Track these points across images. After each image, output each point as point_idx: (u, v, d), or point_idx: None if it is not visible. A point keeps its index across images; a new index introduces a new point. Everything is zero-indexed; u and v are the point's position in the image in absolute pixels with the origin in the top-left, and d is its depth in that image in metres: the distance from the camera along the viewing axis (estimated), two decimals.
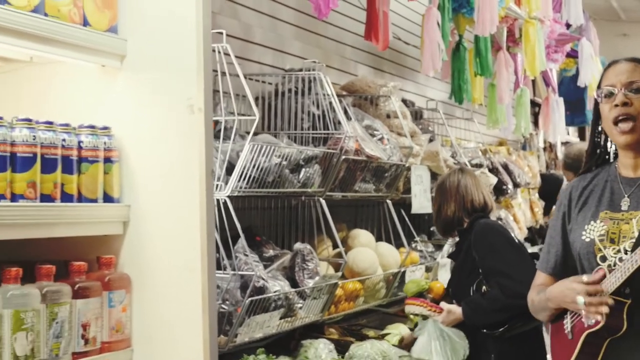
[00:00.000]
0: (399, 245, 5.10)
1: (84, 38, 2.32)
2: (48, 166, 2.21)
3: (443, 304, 4.27)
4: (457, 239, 4.58)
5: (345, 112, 4.43)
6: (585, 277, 2.61)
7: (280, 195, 4.02)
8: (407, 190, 5.19)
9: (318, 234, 4.59)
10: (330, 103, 4.34)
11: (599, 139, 2.88)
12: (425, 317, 4.30)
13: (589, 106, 8.67)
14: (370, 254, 4.63)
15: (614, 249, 2.67)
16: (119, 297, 2.40)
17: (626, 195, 2.75)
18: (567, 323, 2.77)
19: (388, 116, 5.09)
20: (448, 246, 5.64)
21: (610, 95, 2.73)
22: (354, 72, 5.79)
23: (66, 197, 2.27)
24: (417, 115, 6.07)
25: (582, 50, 8.06)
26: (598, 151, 2.89)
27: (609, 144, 2.87)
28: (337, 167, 4.17)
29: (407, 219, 5.30)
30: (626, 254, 2.61)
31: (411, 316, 4.53)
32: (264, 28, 4.62)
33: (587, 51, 8.05)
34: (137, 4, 2.45)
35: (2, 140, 2.09)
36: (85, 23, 2.34)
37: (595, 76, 7.97)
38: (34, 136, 2.16)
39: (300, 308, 3.88)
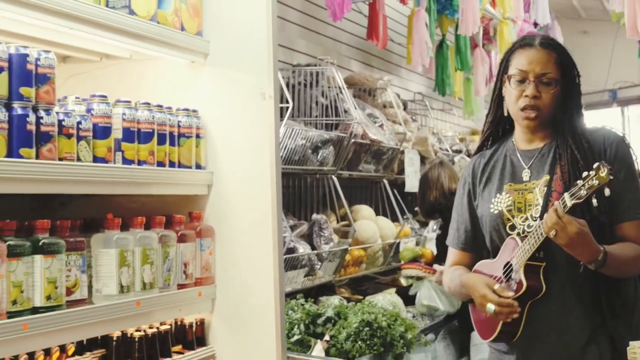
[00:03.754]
0: (393, 219, 5.80)
1: (182, 40, 2.96)
2: (160, 139, 2.85)
3: (436, 266, 4.98)
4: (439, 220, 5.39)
5: None
6: (497, 286, 2.72)
7: (299, 172, 4.67)
8: (400, 171, 5.89)
9: (324, 208, 5.27)
10: (337, 94, 5.02)
11: (500, 113, 2.93)
12: (420, 278, 5.00)
13: None
14: (372, 225, 5.32)
15: (521, 217, 2.78)
16: (207, 243, 3.05)
17: (526, 167, 2.84)
18: None
19: (384, 106, 5.77)
20: (432, 223, 6.37)
21: (522, 82, 2.79)
22: (347, 66, 6.46)
23: (171, 164, 2.91)
24: (402, 106, 6.74)
25: None
26: (499, 123, 2.97)
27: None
28: (347, 149, 4.85)
29: (398, 197, 6.00)
30: (534, 221, 2.74)
31: (406, 279, 5.25)
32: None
33: None
34: (217, 13, 3.09)
35: (132, 119, 2.73)
36: (182, 28, 2.98)
37: None
38: (153, 116, 2.81)
39: (319, 268, 4.55)
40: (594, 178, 2.52)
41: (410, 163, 5.82)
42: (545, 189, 2.77)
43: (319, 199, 5.23)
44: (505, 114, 2.92)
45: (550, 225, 2.57)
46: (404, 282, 5.58)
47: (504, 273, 2.76)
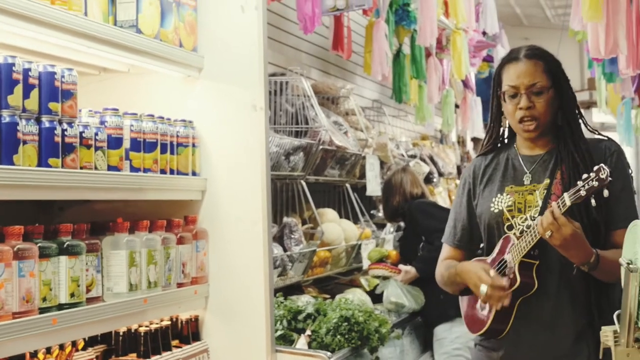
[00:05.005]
0: (354, 222, 6.07)
1: (180, 55, 3.19)
2: (163, 148, 3.07)
3: (401, 266, 5.27)
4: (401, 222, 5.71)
5: None
6: (492, 272, 2.79)
7: (272, 178, 4.90)
8: (361, 175, 6.17)
9: (290, 211, 5.52)
10: (304, 103, 5.28)
11: (499, 127, 3.03)
12: (386, 278, 5.29)
13: None
14: (337, 228, 5.58)
15: (521, 217, 2.85)
16: (202, 245, 3.28)
17: (528, 171, 2.91)
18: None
19: (347, 113, 6.04)
20: (389, 226, 6.69)
21: (514, 96, 2.86)
22: (307, 74, 6.69)
23: (171, 171, 3.14)
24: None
25: (497, 57, 9.11)
26: (497, 136, 3.04)
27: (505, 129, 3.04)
28: (315, 155, 5.10)
29: (359, 200, 6.27)
30: (533, 220, 2.80)
31: (372, 279, 5.53)
32: None
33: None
34: (211, 30, 3.33)
35: (138, 130, 2.95)
36: (180, 45, 3.20)
37: None
38: (157, 127, 3.03)
39: (290, 269, 4.79)
40: (594, 179, 2.58)
41: (371, 168, 6.09)
42: (545, 191, 2.84)
43: (287, 202, 5.47)
44: (506, 127, 3.02)
45: (545, 226, 2.64)
46: (364, 282, 5.85)
47: (497, 268, 2.83)
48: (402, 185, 5.50)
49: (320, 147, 5.11)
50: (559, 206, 2.67)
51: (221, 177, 3.33)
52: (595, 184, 2.58)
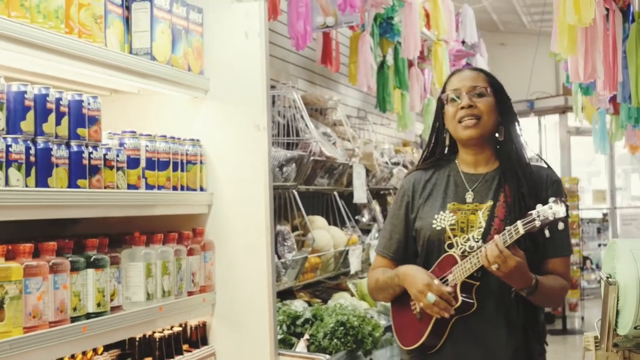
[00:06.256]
0: (342, 228, 6.32)
1: (189, 79, 3.42)
2: (174, 166, 3.30)
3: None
4: None
5: None
6: (437, 281, 2.82)
7: None
8: (348, 184, 6.42)
9: (282, 219, 5.75)
10: (294, 114, 5.52)
11: (440, 137, 3.06)
12: None
13: None
14: (326, 235, 5.82)
15: (463, 237, 2.87)
16: (210, 256, 3.51)
17: (470, 190, 2.95)
18: (417, 305, 2.91)
19: (334, 124, 6.28)
20: (374, 231, 6.95)
21: (456, 99, 2.93)
22: (292, 84, 6.95)
23: (181, 188, 3.37)
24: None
25: (477, 64, 9.40)
26: (439, 148, 3.07)
27: (446, 142, 3.05)
28: (307, 166, 5.34)
29: (346, 207, 6.51)
30: (476, 242, 2.83)
31: (360, 283, 5.76)
32: None
33: (481, 65, 9.41)
34: (216, 55, 3.56)
35: (153, 150, 3.17)
36: (189, 69, 3.44)
37: None
38: (169, 147, 3.26)
39: (284, 275, 5.02)
40: (549, 213, 2.62)
41: (358, 176, 6.34)
42: (489, 213, 2.87)
43: (278, 210, 5.70)
44: (448, 143, 3.05)
45: (492, 260, 2.67)
46: (351, 286, 6.10)
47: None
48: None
49: (311, 158, 5.35)
50: (510, 234, 2.68)
51: (226, 191, 3.56)
52: (551, 218, 2.61)
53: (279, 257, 5.03)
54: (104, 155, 2.84)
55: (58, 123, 2.64)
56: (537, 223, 2.63)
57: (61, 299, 2.58)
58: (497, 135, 2.99)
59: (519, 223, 2.67)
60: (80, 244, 2.80)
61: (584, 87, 6.03)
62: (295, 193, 5.36)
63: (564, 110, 14.90)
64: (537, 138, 15.45)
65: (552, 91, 15.58)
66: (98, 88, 3.44)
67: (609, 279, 2.50)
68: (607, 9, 3.80)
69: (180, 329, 3.36)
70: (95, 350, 3.05)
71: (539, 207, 2.65)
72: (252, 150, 3.54)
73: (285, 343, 3.91)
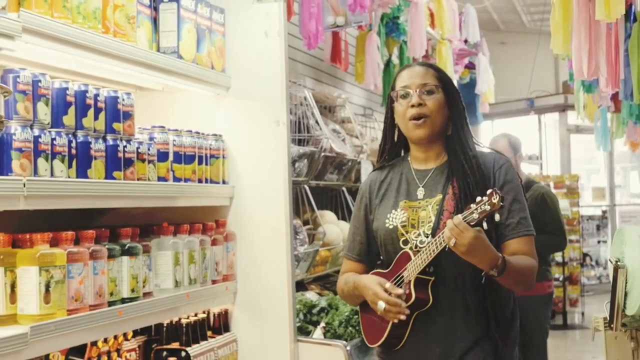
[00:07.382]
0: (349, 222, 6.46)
1: (212, 77, 3.57)
2: (199, 160, 3.46)
3: None
4: None
5: None
6: (388, 285, 2.82)
7: None
8: (356, 179, 6.57)
9: (295, 214, 5.90)
10: (305, 112, 5.67)
11: (392, 135, 3.04)
12: None
13: (481, 109, 10.14)
14: (336, 229, 5.96)
15: (415, 233, 2.87)
16: (232, 246, 3.66)
17: (420, 186, 2.95)
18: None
19: (343, 121, 6.43)
20: None
21: (406, 96, 2.91)
22: (302, 83, 7.10)
23: (205, 180, 3.52)
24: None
25: (479, 64, 9.53)
26: (391, 146, 3.06)
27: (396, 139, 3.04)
28: (318, 162, 5.49)
29: (353, 202, 6.65)
30: (426, 237, 2.83)
31: None
32: None
33: (484, 64, 9.54)
34: (237, 53, 3.71)
35: (180, 144, 3.33)
36: (212, 67, 3.59)
37: (490, 85, 9.53)
38: (195, 141, 3.41)
39: (297, 267, 5.17)
40: (486, 203, 2.62)
41: (366, 172, 6.48)
42: (438, 207, 2.87)
43: (295, 204, 5.85)
44: (397, 138, 3.04)
45: (448, 235, 2.65)
46: None
47: (395, 284, 2.85)
48: None
49: (322, 154, 5.50)
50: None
51: (247, 184, 3.72)
52: (488, 208, 2.61)
53: None
54: (137, 148, 2.99)
55: (96, 118, 2.79)
56: (475, 216, 2.63)
57: (100, 284, 2.74)
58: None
59: (459, 217, 2.67)
60: (115, 233, 2.95)
61: (586, 84, 6.18)
62: (307, 188, 5.51)
63: (563, 108, 15.06)
64: (537, 136, 15.62)
65: (552, 89, 15.75)
66: (124, 85, 3.59)
67: (618, 263, 2.65)
68: None
69: (204, 315, 3.51)
70: (125, 335, 3.20)
71: (478, 199, 2.66)
72: (272, 144, 3.69)
73: (302, 331, 4.06)
